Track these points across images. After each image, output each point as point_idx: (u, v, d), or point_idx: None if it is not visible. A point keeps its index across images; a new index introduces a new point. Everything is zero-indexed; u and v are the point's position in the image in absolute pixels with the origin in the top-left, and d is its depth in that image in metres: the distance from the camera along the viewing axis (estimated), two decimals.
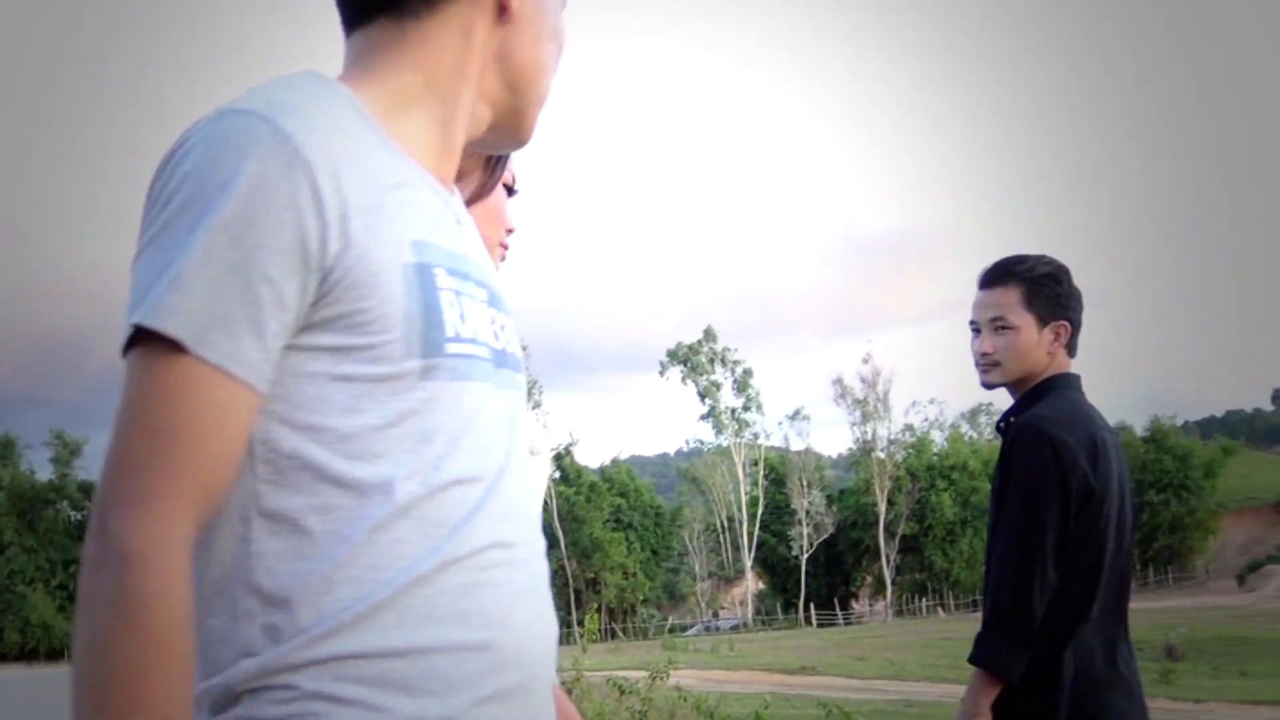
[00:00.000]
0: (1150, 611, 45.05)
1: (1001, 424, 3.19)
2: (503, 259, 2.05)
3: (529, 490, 1.32)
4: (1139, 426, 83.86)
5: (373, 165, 1.21)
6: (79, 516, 63.82)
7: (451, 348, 1.21)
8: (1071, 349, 3.19)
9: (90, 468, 71.12)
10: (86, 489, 64.88)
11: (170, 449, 1.09)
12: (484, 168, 1.94)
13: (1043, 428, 2.96)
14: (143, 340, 1.11)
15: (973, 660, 2.93)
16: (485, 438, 1.24)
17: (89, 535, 1.08)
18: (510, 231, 2.05)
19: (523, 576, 1.25)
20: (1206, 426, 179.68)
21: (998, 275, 3.18)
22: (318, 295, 1.15)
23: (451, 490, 1.19)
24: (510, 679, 1.20)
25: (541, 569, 1.30)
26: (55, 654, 56.53)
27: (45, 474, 64.37)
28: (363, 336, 1.17)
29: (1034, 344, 3.13)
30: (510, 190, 2.06)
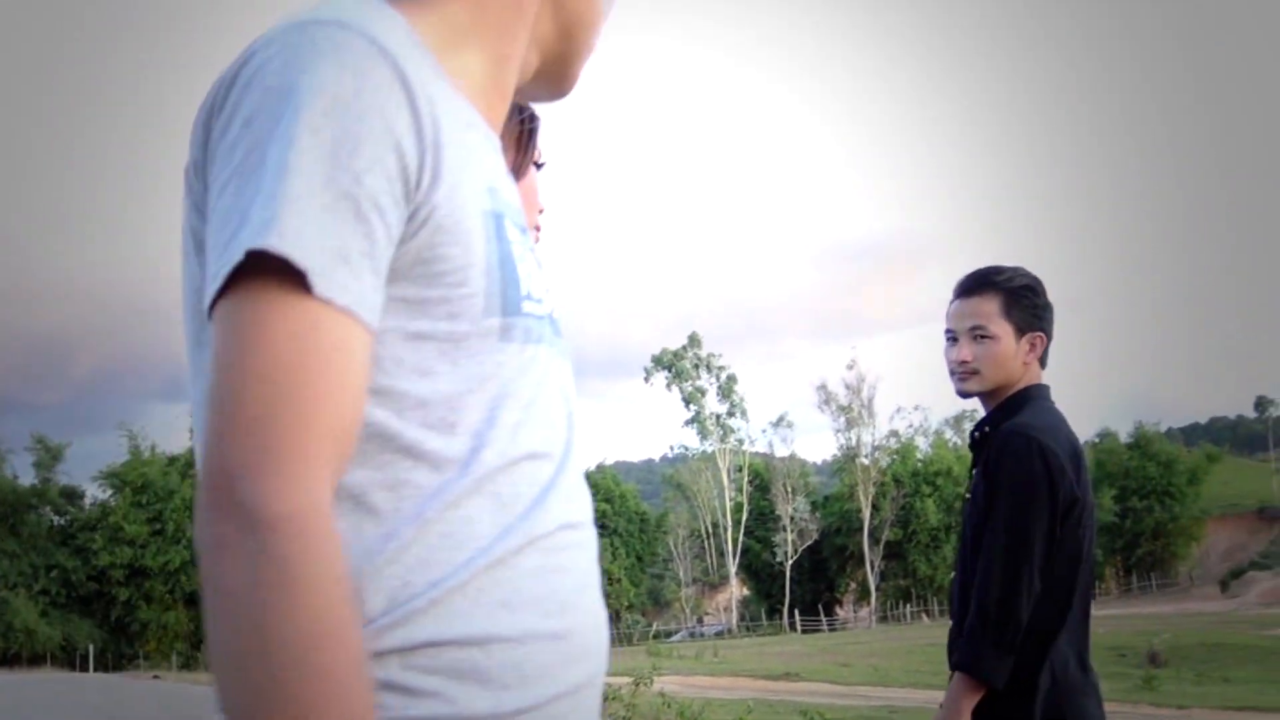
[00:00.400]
0: (1134, 618, 45.16)
1: (976, 433, 3.22)
2: (536, 241, 1.83)
3: (584, 471, 1.23)
4: (1123, 433, 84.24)
5: (448, 97, 1.11)
6: (62, 521, 63.53)
7: (527, 307, 1.12)
8: (1043, 361, 3.22)
9: (72, 473, 71.10)
10: (69, 494, 64.65)
11: (304, 401, 0.94)
12: (517, 145, 1.78)
13: (1033, 437, 2.99)
14: (248, 279, 0.96)
15: (957, 666, 2.94)
16: (553, 408, 1.16)
17: (208, 516, 0.93)
18: (540, 212, 1.90)
19: (587, 561, 1.17)
20: (1190, 433, 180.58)
21: (976, 284, 3.20)
22: (403, 236, 1.03)
23: (525, 465, 1.10)
24: (582, 672, 1.13)
25: (597, 558, 1.21)
26: (37, 659, 56.17)
27: (27, 479, 64.12)
28: (441, 289, 1.05)
29: (1012, 354, 3.15)
30: (538, 165, 1.89)
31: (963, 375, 3.18)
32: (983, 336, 3.15)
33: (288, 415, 0.94)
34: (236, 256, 0.95)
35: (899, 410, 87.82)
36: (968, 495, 3.14)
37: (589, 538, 1.19)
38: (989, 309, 3.15)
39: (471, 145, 1.12)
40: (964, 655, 2.93)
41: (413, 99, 1.03)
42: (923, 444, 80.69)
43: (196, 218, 1.08)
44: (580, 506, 1.18)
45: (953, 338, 3.21)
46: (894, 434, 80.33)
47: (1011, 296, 3.16)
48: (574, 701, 1.11)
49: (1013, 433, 3.02)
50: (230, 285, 0.96)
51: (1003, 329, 3.15)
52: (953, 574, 3.24)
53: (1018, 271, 3.22)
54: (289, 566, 0.90)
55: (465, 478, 1.06)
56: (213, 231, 1.00)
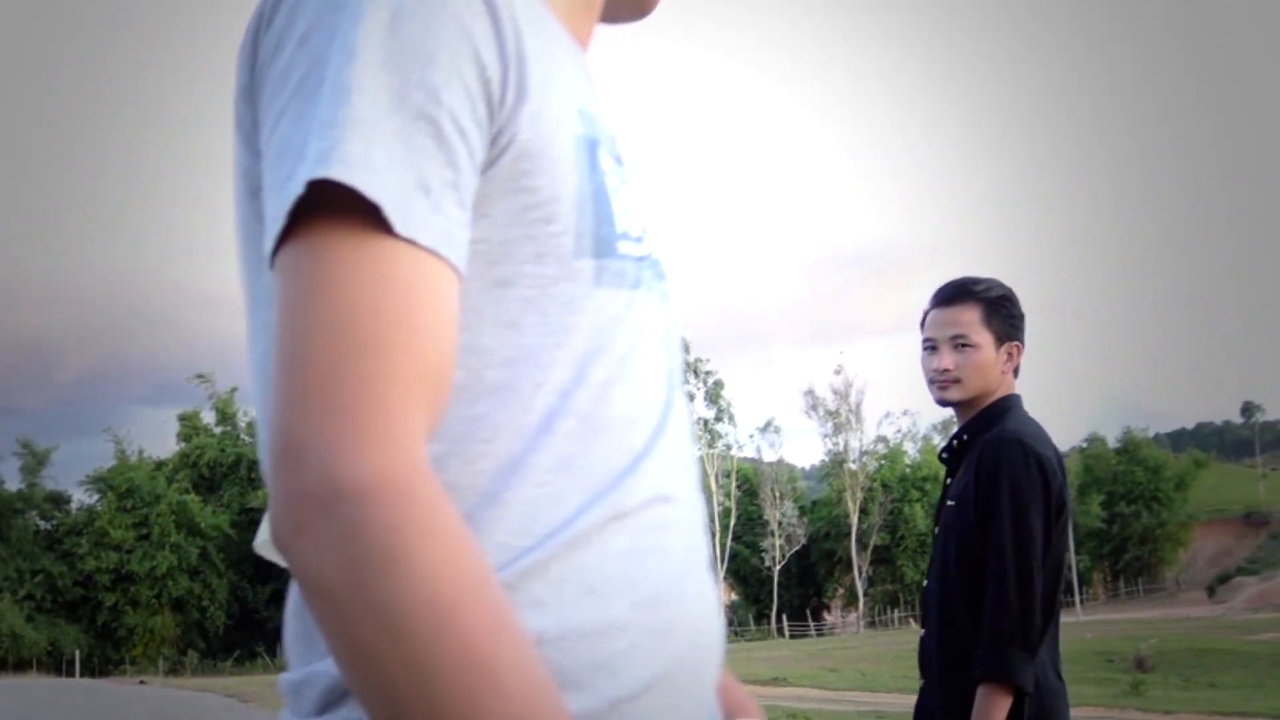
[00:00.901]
0: (1120, 623, 45.28)
1: (955, 441, 3.24)
2: None
3: (692, 434, 1.08)
4: (1111, 438, 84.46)
5: (530, 5, 0.97)
6: (48, 526, 63.37)
7: (623, 247, 0.98)
8: (1016, 372, 3.26)
9: (59, 477, 70.87)
10: (55, 498, 64.48)
11: (384, 351, 0.79)
12: None
13: (1028, 444, 3.02)
14: (314, 219, 0.82)
15: (987, 676, 2.91)
16: (652, 364, 1.01)
17: (281, 500, 0.78)
18: None
19: (690, 541, 1.02)
20: (1177, 438, 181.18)
21: (956, 294, 3.23)
22: (486, 165, 0.90)
23: (616, 429, 0.96)
24: (682, 668, 0.97)
25: (705, 535, 1.06)
26: (23, 665, 55.97)
27: (13, 483, 63.94)
28: (526, 226, 0.92)
29: (992, 362, 3.18)
30: None
31: (943, 384, 3.20)
32: (964, 345, 3.18)
33: (365, 368, 0.78)
34: (297, 191, 0.81)
35: (887, 415, 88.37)
36: (951, 502, 3.15)
37: (692, 515, 1.04)
38: (969, 318, 3.18)
39: (560, 61, 0.98)
40: (995, 665, 2.91)
41: (493, 6, 0.89)
42: (911, 449, 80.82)
43: (248, 155, 0.94)
44: (681, 478, 1.03)
45: (932, 346, 3.23)
46: (882, 439, 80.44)
47: (991, 306, 3.19)
48: (673, 700, 0.96)
49: (1007, 439, 3.04)
50: (293, 227, 0.82)
51: (983, 338, 3.17)
52: (926, 581, 3.25)
53: (994, 282, 3.26)
54: (394, 540, 0.75)
55: (548, 446, 0.92)
56: (269, 168, 0.86)
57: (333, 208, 0.81)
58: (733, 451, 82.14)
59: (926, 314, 3.28)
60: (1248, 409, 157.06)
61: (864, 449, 78.64)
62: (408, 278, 0.82)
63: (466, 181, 0.87)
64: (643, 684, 0.93)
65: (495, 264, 0.91)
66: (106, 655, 59.86)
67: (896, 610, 74.76)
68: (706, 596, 1.03)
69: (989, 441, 3.07)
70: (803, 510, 79.19)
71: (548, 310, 0.93)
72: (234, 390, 68.10)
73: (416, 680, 0.75)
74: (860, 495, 74.28)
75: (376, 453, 0.76)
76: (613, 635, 0.91)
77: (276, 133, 0.86)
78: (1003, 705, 2.89)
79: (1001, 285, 3.25)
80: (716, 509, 78.99)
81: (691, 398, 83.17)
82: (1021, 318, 3.25)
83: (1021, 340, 3.23)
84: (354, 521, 0.75)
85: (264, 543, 1.74)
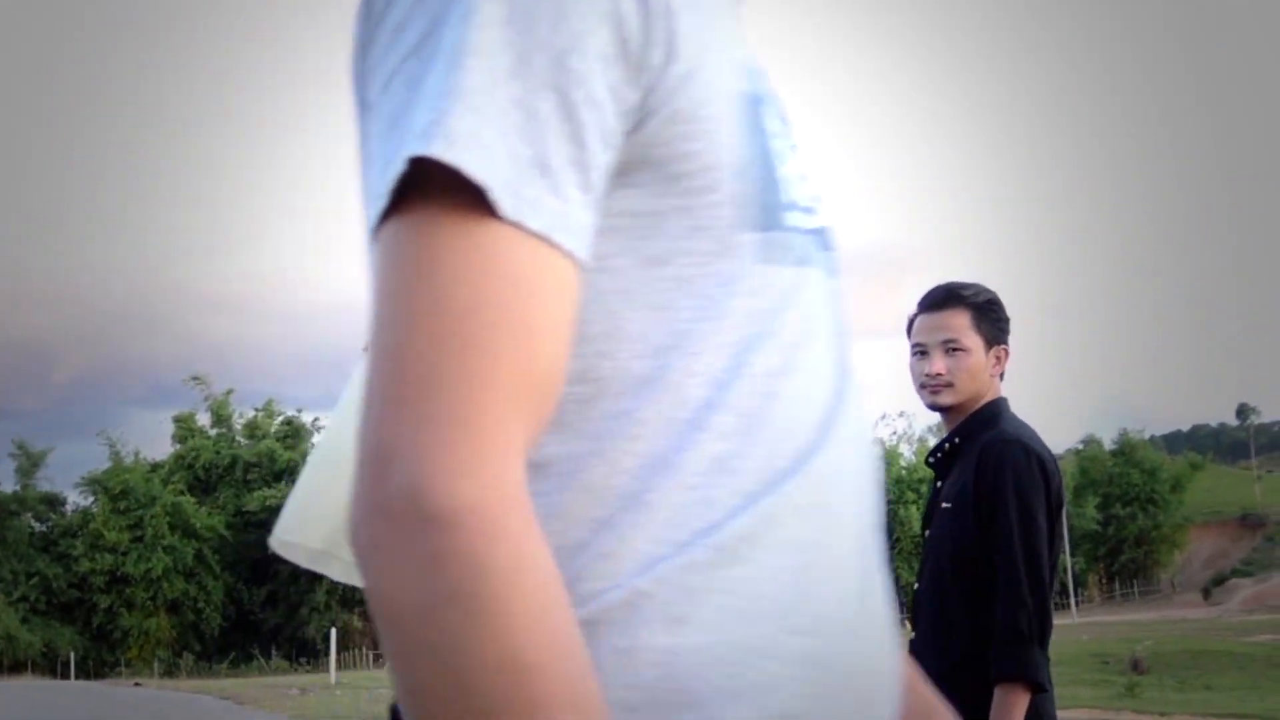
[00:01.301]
0: (1116, 624, 45.31)
1: (947, 444, 3.25)
2: None
3: (868, 436, 0.96)
4: (1107, 440, 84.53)
5: None
6: (43, 528, 63.30)
7: (791, 219, 0.88)
8: (1002, 375, 3.28)
9: (54, 479, 70.71)
10: (50, 500, 64.44)
11: (484, 354, 0.72)
12: None
13: (1029, 445, 3.05)
14: (417, 198, 0.74)
15: (1005, 676, 2.91)
16: (822, 352, 0.90)
17: (363, 509, 0.71)
18: None
19: (861, 560, 0.90)
20: (1172, 440, 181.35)
21: (945, 298, 3.24)
22: (628, 131, 0.81)
23: (779, 427, 0.85)
24: (833, 709, 0.84)
25: (880, 551, 0.94)
26: (18, 667, 55.89)
27: (8, 485, 63.86)
28: (680, 197, 0.83)
29: (983, 366, 3.20)
30: None
31: (935, 388, 3.21)
32: (955, 349, 3.19)
33: (464, 374, 0.71)
34: (399, 168, 0.73)
35: (883, 417, 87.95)
36: (946, 504, 3.14)
37: (863, 530, 0.91)
38: (960, 322, 3.20)
39: (715, 8, 0.89)
40: (1013, 664, 2.91)
41: None
42: (906, 451, 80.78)
43: (364, 119, 0.85)
44: (852, 487, 0.91)
45: (922, 351, 3.23)
46: (877, 441, 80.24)
47: (980, 311, 3.21)
48: None
49: (1009, 441, 3.06)
50: (398, 203, 0.75)
51: (974, 342, 3.19)
52: (917, 583, 3.25)
53: (980, 287, 3.28)
54: (476, 583, 0.68)
55: (699, 443, 0.82)
56: (375, 137, 0.79)
57: (439, 186, 0.73)
58: None
59: (913, 319, 3.29)
60: (1243, 411, 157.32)
61: None
62: (517, 269, 0.73)
63: (596, 157, 0.78)
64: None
65: (645, 240, 0.82)
66: (102, 657, 59.76)
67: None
68: (878, 628, 0.91)
69: (989, 443, 3.07)
70: None
71: (704, 291, 0.83)
72: (229, 392, 68.13)
73: None
74: None
75: (469, 476, 0.69)
76: (755, 663, 0.80)
77: (385, 97, 0.79)
78: (1022, 703, 2.89)
79: (988, 290, 3.27)
80: None
81: None
82: (1008, 321, 3.28)
83: (1008, 344, 3.26)
84: (436, 553, 0.68)
85: (282, 542, 1.70)
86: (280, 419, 68.08)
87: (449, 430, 0.70)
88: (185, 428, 67.16)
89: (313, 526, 1.51)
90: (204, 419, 67.65)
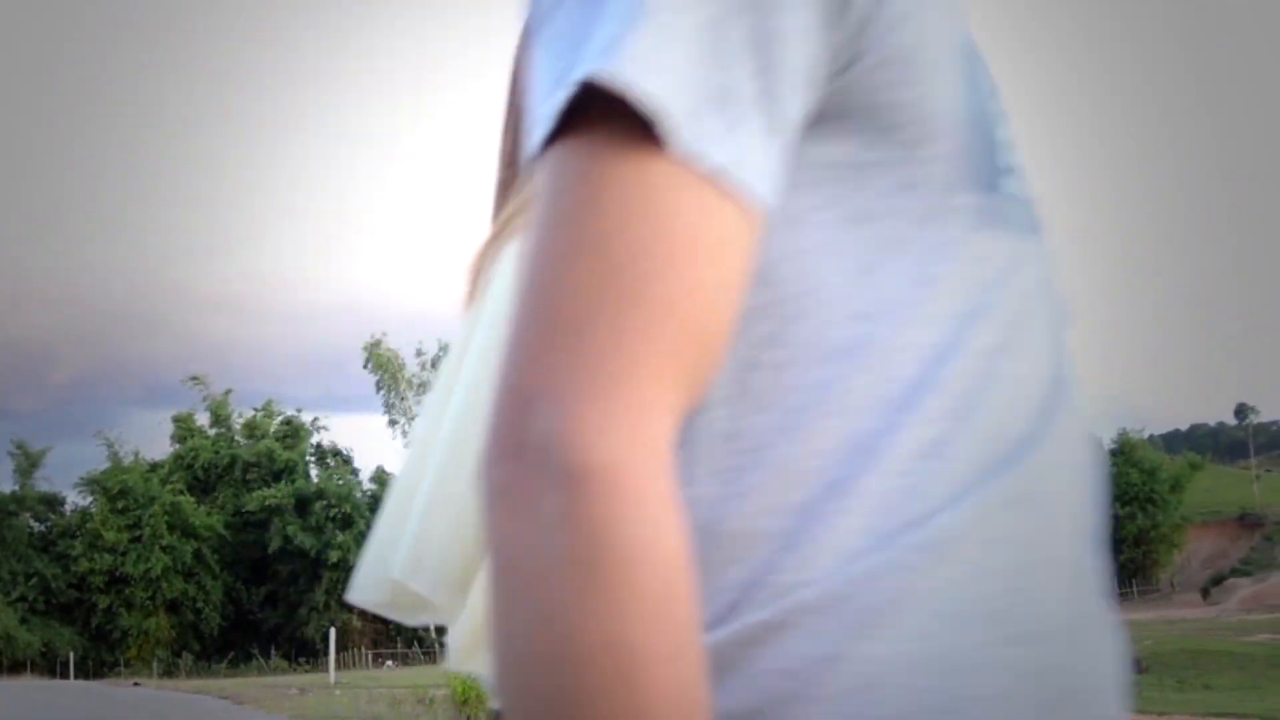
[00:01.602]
0: None
1: None
2: None
3: (1088, 430, 0.87)
4: (1106, 439, 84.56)
5: None
6: (42, 528, 63.32)
7: (1008, 184, 0.80)
8: None
9: (53, 479, 70.65)
10: (49, 500, 64.44)
11: (645, 299, 0.65)
12: None
13: None
14: (585, 124, 0.67)
15: None
16: (1040, 332, 0.81)
17: (493, 453, 0.65)
18: None
19: (1082, 565, 0.81)
20: (1171, 440, 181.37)
21: None
22: (830, 73, 0.73)
23: (996, 412, 0.76)
24: None
25: (1098, 554, 0.84)
26: (18, 667, 55.88)
27: (7, 485, 63.90)
28: (890, 148, 0.75)
29: None
30: None
31: None
32: None
33: (620, 320, 0.64)
34: (569, 91, 0.67)
35: None
36: None
37: (1086, 530, 0.82)
38: None
39: None
40: None
41: None
42: None
43: (537, 35, 0.76)
44: (1075, 483, 0.81)
45: None
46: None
47: None
48: None
49: None
50: (563, 130, 0.68)
51: None
52: None
53: None
54: (604, 544, 0.61)
55: (908, 425, 0.73)
56: (542, 59, 0.72)
57: (612, 111, 0.66)
58: None
59: None
60: (1241, 411, 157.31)
61: None
62: (690, 210, 0.66)
63: (789, 97, 0.70)
64: None
65: (850, 195, 0.74)
66: (101, 657, 59.78)
67: None
68: (1101, 637, 0.81)
69: None
70: None
71: (915, 255, 0.75)
72: (228, 392, 68.17)
73: (563, 702, 0.61)
74: None
75: (614, 432, 0.62)
76: (966, 675, 0.71)
77: (555, 16, 0.72)
78: None
79: None
80: None
81: None
82: None
83: None
84: (564, 509, 0.61)
85: (366, 597, 1.60)
86: (279, 419, 68.12)
87: (599, 380, 0.63)
88: (184, 428, 67.19)
89: (425, 573, 1.41)
90: (203, 419, 67.74)
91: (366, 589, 1.41)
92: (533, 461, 0.62)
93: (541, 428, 0.62)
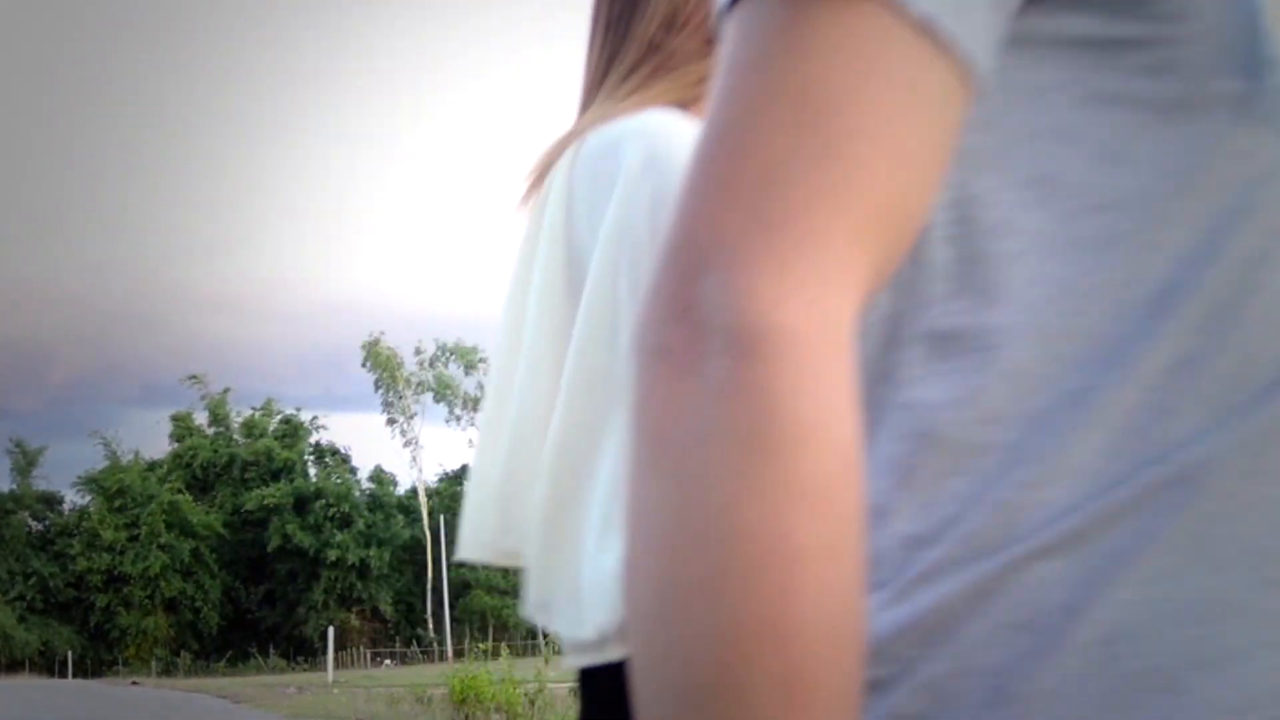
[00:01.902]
0: None
1: None
2: None
3: None
4: None
5: None
6: (40, 527, 63.37)
7: (1272, 76, 0.69)
8: None
9: (52, 478, 70.79)
10: (48, 499, 64.51)
11: (837, 156, 0.57)
12: None
13: None
14: None
15: None
16: None
17: (653, 309, 0.58)
18: None
19: None
20: None
21: None
22: None
23: (1258, 329, 0.65)
24: None
25: None
26: (16, 665, 55.91)
27: (5, 484, 63.99)
28: (1142, 23, 0.65)
29: None
30: None
31: None
32: None
33: (812, 177, 0.56)
34: None
35: None
36: None
37: None
38: None
39: None
40: None
41: None
42: None
43: None
44: None
45: None
46: None
47: None
48: None
49: None
50: None
51: None
52: None
53: None
54: (771, 417, 0.53)
55: (1159, 334, 0.64)
56: None
57: None
58: None
59: None
60: None
61: None
62: (899, 63, 0.58)
63: None
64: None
65: (1092, 73, 0.66)
66: (99, 656, 59.84)
67: None
68: None
69: None
70: None
71: (1167, 144, 0.66)
72: (226, 391, 68.18)
73: (705, 592, 0.53)
74: None
75: (797, 299, 0.55)
76: (1229, 623, 0.61)
77: None
78: None
79: None
80: None
81: None
82: None
83: None
84: (731, 378, 0.54)
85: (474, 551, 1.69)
86: (278, 418, 68.16)
87: (783, 240, 0.56)
88: (183, 427, 67.26)
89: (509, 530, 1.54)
90: (201, 418, 67.80)
91: (471, 548, 1.56)
92: (701, 322, 0.55)
93: (714, 287, 0.55)
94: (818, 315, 0.55)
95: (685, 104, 1.52)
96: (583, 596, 1.39)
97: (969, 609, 0.62)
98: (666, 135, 1.41)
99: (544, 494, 1.44)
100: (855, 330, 0.57)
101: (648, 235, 1.38)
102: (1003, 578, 0.62)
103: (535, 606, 1.47)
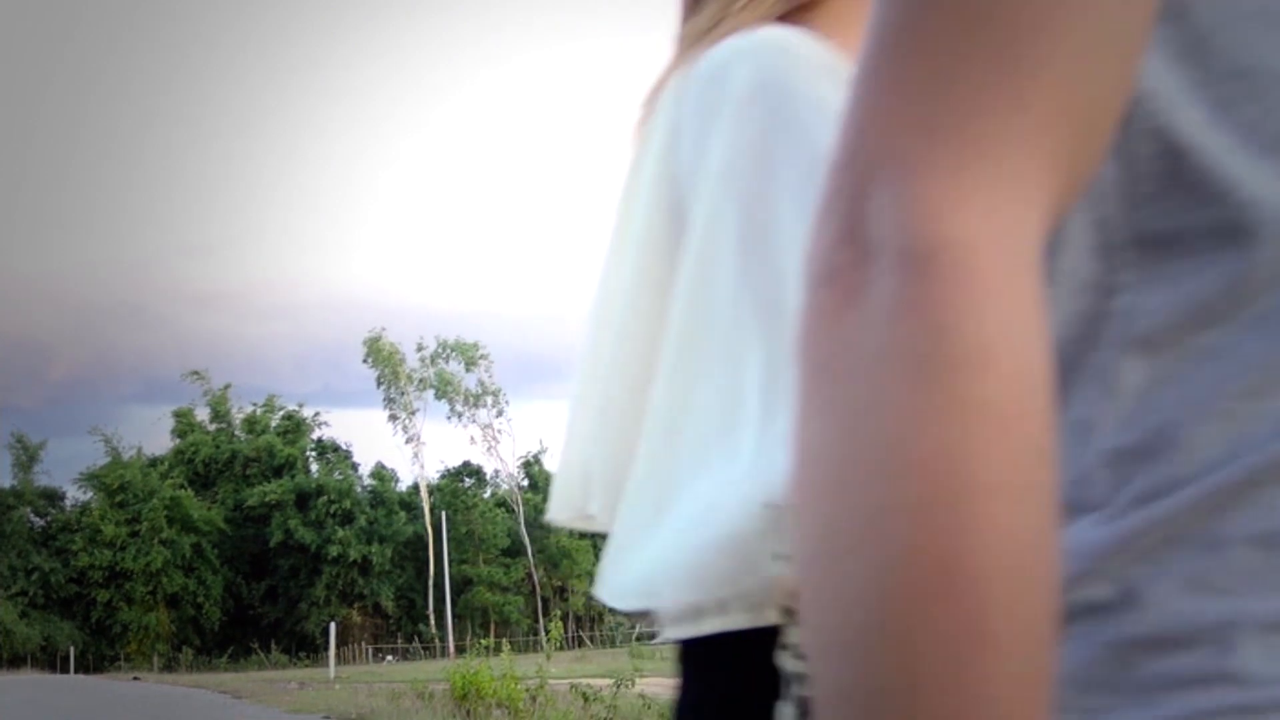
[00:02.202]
0: None
1: None
2: None
3: None
4: None
5: None
6: (42, 523, 63.43)
7: None
8: None
9: (53, 474, 70.83)
10: (49, 495, 64.56)
11: (1023, 51, 0.51)
12: None
13: None
14: None
15: None
16: None
17: (820, 230, 0.53)
18: None
19: None
20: None
21: None
22: None
23: None
24: None
25: None
26: (17, 661, 55.96)
27: (6, 480, 64.02)
28: None
29: None
30: None
31: None
32: None
33: (989, 72, 0.51)
34: None
35: None
36: None
37: None
38: None
39: None
40: None
41: None
42: None
43: None
44: None
45: None
46: None
47: None
48: None
49: None
50: None
51: None
52: None
53: None
54: (949, 339, 0.48)
55: None
56: None
57: None
58: None
59: None
60: None
61: None
62: None
63: None
64: None
65: None
66: (101, 652, 59.95)
67: None
68: None
69: None
70: None
71: None
72: (228, 387, 68.28)
73: (884, 533, 0.47)
74: None
75: (975, 209, 0.50)
76: None
77: None
78: None
79: None
80: None
81: None
82: None
83: None
84: (904, 298, 0.49)
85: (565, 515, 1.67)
86: (280, 414, 68.24)
87: (959, 146, 0.51)
88: (184, 423, 67.34)
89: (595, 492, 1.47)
90: (203, 414, 67.89)
91: (558, 509, 1.53)
92: (869, 241, 0.51)
93: (882, 202, 0.51)
94: (996, 226, 0.50)
95: (809, 9, 1.33)
96: (686, 563, 1.30)
97: (1194, 527, 0.57)
98: (781, 55, 1.22)
99: (642, 460, 1.29)
100: (1042, 240, 0.52)
101: (756, 174, 1.20)
102: (1230, 494, 0.56)
103: (617, 576, 1.36)
